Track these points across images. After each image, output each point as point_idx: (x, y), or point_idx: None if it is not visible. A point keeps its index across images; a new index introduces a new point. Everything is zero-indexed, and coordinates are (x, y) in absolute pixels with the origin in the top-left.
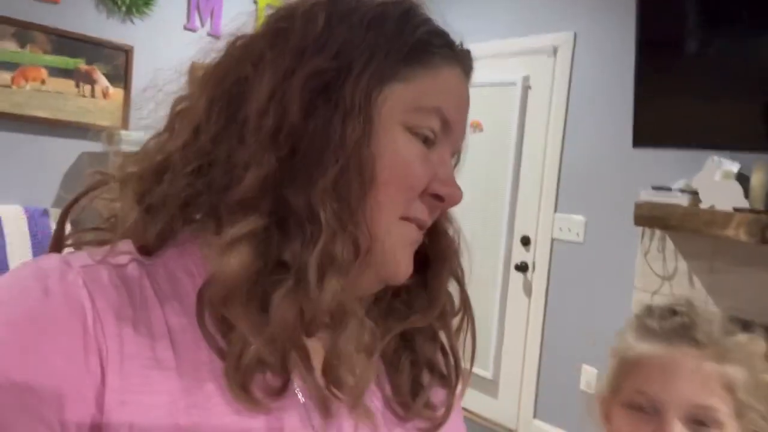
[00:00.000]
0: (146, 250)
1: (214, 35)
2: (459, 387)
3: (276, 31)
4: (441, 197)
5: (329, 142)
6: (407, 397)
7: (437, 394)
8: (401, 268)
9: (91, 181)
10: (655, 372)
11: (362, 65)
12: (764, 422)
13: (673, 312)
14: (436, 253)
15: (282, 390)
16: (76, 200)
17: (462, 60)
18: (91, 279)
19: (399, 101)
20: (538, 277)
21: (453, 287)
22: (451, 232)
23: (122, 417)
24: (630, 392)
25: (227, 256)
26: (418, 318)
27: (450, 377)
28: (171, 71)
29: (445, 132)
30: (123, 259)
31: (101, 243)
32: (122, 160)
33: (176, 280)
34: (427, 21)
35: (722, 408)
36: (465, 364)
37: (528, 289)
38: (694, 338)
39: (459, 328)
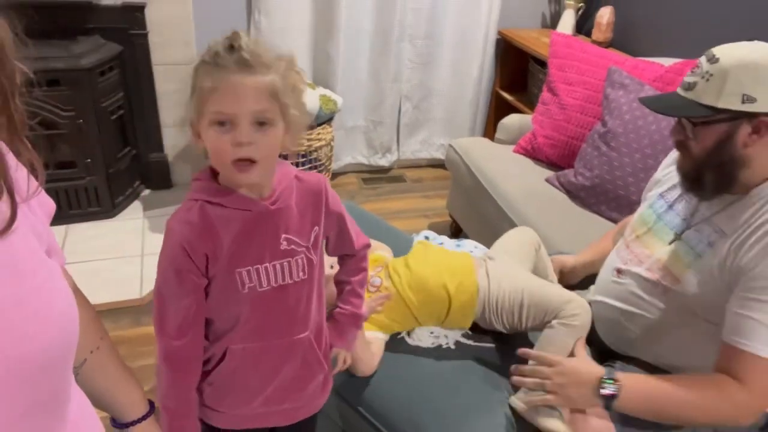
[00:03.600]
0: None
1: None
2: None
3: None
4: None
5: None
6: None
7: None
8: None
9: None
10: (227, 94)
11: None
12: (296, 111)
13: (231, 47)
14: None
15: None
16: None
17: None
18: None
19: None
20: None
21: None
22: None
23: None
24: (211, 113)
25: None
26: None
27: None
28: None
29: None
30: None
31: None
32: None
33: None
34: None
35: (272, 109)
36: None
37: None
38: (246, 63)
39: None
